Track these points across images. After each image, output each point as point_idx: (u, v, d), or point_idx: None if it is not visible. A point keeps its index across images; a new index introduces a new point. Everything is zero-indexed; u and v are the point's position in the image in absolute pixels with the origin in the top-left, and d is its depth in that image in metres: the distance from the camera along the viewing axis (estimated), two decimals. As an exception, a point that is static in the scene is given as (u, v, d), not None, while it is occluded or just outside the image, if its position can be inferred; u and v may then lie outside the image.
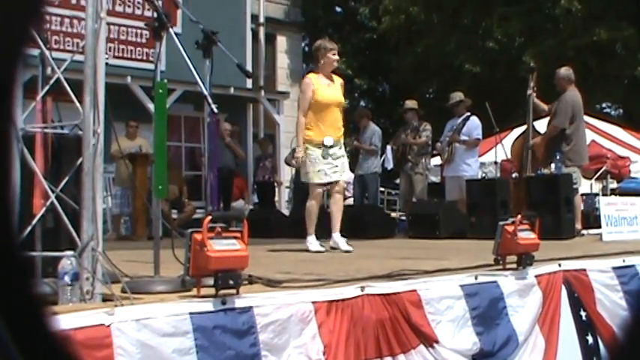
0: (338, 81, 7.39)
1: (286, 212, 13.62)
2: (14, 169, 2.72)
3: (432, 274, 4.58)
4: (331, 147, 7.07)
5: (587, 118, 10.84)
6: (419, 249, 7.69)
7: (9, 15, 1.36)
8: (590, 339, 5.24)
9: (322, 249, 6.99)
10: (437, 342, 4.19)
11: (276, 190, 14.51)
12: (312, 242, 7.08)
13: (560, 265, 5.29)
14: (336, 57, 7.34)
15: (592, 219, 11.16)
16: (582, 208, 10.66)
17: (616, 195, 12.88)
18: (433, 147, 11.39)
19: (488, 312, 4.59)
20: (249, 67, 13.36)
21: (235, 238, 3.37)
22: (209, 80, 4.06)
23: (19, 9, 1.39)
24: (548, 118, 10.03)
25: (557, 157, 9.46)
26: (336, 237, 7.09)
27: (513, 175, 10.53)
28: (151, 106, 10.51)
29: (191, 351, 3.16)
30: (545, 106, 9.89)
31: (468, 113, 10.84)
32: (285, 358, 3.53)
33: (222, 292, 3.33)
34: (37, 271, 3.26)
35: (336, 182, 7.16)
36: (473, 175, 10.73)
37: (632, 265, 5.82)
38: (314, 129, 7.11)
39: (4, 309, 1.34)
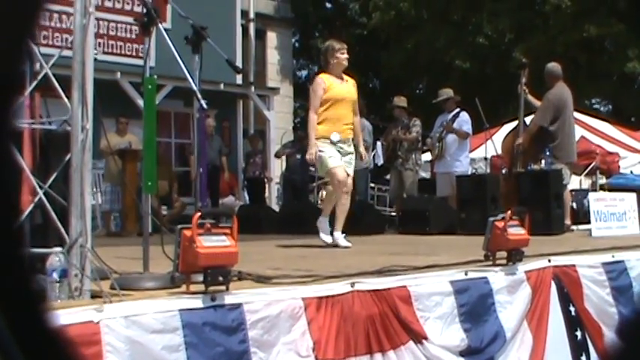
0: (350, 81, 7.34)
1: (276, 208, 13.60)
2: (17, 165, 2.70)
3: (422, 270, 4.59)
4: (339, 142, 7.05)
5: (576, 114, 10.85)
6: (409, 245, 7.70)
7: (12, 13, 1.36)
8: (579, 334, 5.26)
9: (328, 240, 7.02)
10: (426, 338, 4.20)
11: (266, 186, 14.49)
12: (324, 225, 7.14)
13: (549, 260, 5.30)
14: (346, 55, 7.23)
15: (581, 215, 11.20)
16: (573, 204, 10.70)
17: (605, 191, 12.91)
18: (423, 142, 11.39)
19: (476, 308, 4.60)
20: (239, 63, 13.36)
21: (225, 234, 3.35)
22: (198, 76, 4.04)
23: (21, 8, 1.39)
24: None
25: (547, 153, 9.48)
26: (337, 235, 7.08)
27: (503, 171, 10.54)
28: (140, 102, 10.42)
29: (180, 348, 3.15)
30: (538, 102, 9.89)
31: (458, 109, 10.85)
32: (275, 354, 3.53)
33: (211, 288, 3.32)
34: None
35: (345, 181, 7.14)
36: (463, 171, 10.74)
37: (622, 261, 5.85)
38: (323, 124, 7.07)
39: (3, 304, 1.34)
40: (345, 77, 7.30)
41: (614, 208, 8.70)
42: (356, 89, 7.37)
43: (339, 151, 7.03)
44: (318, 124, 7.07)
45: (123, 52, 13.56)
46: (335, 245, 7.00)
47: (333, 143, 7.01)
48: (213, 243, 3.28)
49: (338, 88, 7.15)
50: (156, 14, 3.83)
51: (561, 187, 9.27)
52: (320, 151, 6.99)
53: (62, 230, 3.16)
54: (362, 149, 7.41)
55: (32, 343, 1.36)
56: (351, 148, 7.20)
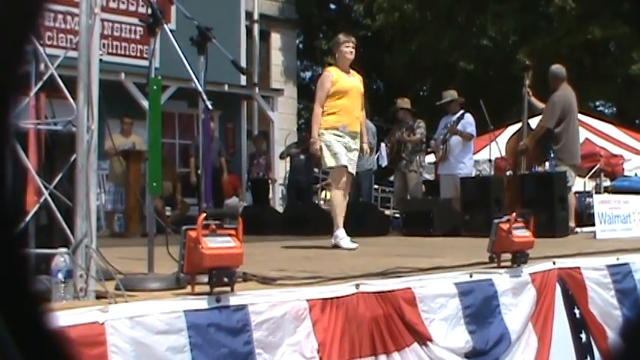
0: (357, 76, 7.33)
1: (280, 209, 13.60)
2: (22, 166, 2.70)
3: (426, 272, 4.58)
4: (347, 134, 7.03)
5: (580, 116, 10.85)
6: (413, 246, 7.69)
7: (12, 12, 1.35)
8: (583, 337, 5.25)
9: (354, 246, 6.85)
10: (430, 340, 4.19)
11: (270, 187, 14.48)
12: (343, 237, 6.94)
13: (554, 262, 5.29)
14: (350, 49, 7.19)
15: (585, 217, 11.18)
16: (576, 205, 10.69)
17: (609, 193, 12.89)
18: (427, 144, 11.39)
19: (481, 310, 4.59)
20: (243, 65, 13.35)
21: (230, 235, 3.35)
22: (204, 77, 4.04)
23: (22, 7, 1.38)
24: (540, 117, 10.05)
25: (552, 156, 9.47)
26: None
27: (507, 173, 10.53)
28: (144, 103, 10.48)
29: (185, 349, 3.15)
30: (541, 105, 9.89)
31: (462, 111, 10.84)
32: (280, 356, 3.52)
33: (216, 289, 3.32)
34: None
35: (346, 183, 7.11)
36: (467, 173, 10.74)
37: (626, 264, 5.83)
38: (333, 115, 7.05)
39: (2, 305, 1.33)
40: (352, 72, 7.30)
41: (618, 210, 8.68)
42: (362, 85, 7.36)
43: (344, 147, 7.02)
44: (328, 114, 7.05)
45: (128, 52, 13.57)
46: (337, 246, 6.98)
47: (340, 135, 7.00)
48: (218, 244, 3.28)
49: (346, 81, 7.15)
50: (161, 15, 3.83)
51: (566, 189, 9.25)
52: (327, 143, 6.98)
53: (67, 231, 3.16)
54: (365, 145, 7.36)
55: (31, 345, 1.36)
56: (357, 145, 7.19)
